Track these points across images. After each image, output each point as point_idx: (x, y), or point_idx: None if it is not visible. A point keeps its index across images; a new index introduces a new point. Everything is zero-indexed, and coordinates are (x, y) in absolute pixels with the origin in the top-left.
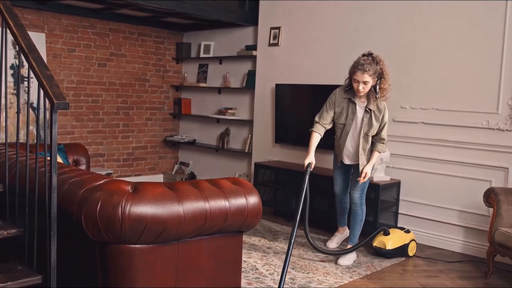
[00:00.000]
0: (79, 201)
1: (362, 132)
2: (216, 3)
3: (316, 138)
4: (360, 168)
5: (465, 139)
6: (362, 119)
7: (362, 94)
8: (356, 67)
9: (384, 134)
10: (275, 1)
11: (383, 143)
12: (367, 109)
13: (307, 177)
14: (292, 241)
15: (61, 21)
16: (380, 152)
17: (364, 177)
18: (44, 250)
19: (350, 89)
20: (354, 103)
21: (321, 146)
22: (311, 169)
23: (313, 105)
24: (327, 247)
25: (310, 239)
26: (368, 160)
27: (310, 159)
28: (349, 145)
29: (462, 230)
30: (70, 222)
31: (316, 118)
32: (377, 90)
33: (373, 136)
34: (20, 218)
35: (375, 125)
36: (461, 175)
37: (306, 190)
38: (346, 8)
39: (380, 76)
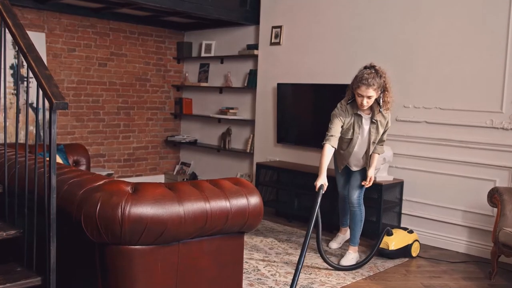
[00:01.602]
0: (79, 202)
1: (369, 142)
2: (217, 2)
3: (328, 153)
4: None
5: (469, 138)
6: (369, 131)
7: (365, 108)
8: (360, 82)
9: (385, 136)
10: (276, 0)
11: (382, 145)
12: (373, 120)
13: (319, 199)
14: (302, 259)
15: (61, 20)
16: (379, 154)
17: (370, 181)
18: (44, 251)
19: (352, 102)
20: (360, 116)
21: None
22: (324, 191)
23: (315, 104)
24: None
25: (326, 258)
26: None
27: (323, 180)
28: (355, 155)
29: (466, 230)
30: (69, 223)
31: (328, 133)
32: (381, 104)
33: None
34: (20, 219)
35: (381, 131)
36: (465, 174)
37: (317, 214)
38: (348, 6)
39: (383, 89)
